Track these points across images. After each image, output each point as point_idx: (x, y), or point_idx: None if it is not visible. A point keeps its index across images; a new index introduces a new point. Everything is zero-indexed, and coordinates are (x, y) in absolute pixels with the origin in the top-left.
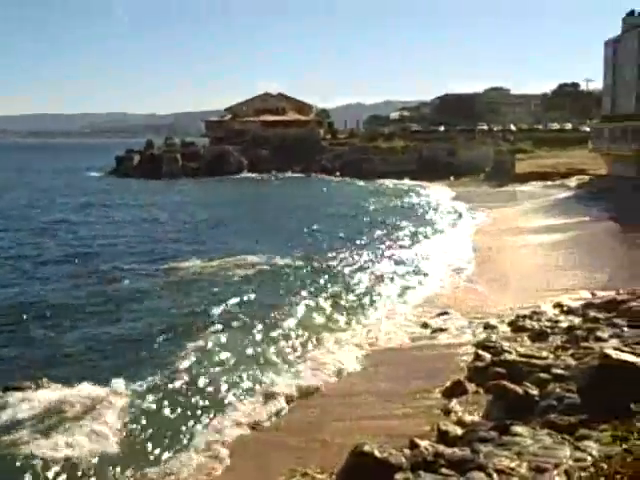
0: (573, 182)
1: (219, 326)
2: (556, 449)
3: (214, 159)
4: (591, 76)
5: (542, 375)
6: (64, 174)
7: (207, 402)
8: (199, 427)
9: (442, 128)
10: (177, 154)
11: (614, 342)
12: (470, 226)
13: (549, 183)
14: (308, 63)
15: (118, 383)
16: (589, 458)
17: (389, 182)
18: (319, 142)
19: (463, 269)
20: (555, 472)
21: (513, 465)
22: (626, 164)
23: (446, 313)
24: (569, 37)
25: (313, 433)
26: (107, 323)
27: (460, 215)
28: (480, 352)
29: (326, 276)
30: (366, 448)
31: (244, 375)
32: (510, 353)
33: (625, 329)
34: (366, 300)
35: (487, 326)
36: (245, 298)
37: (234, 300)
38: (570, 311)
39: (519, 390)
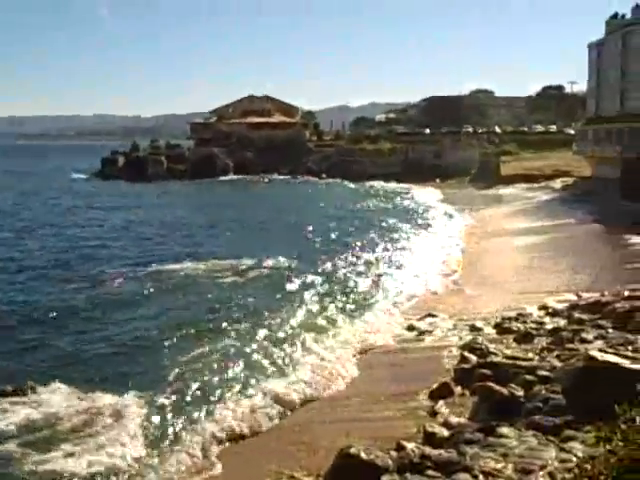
0: (558, 184)
1: (209, 330)
2: (542, 450)
3: (200, 161)
4: (575, 79)
5: (527, 377)
6: (49, 176)
7: (196, 405)
8: (188, 430)
9: (428, 130)
10: (162, 156)
11: (599, 343)
12: (457, 228)
13: (534, 185)
14: (293, 65)
15: (109, 389)
16: (574, 459)
17: (377, 184)
18: (305, 144)
19: (450, 271)
20: (540, 474)
21: (499, 467)
22: (610, 166)
23: (432, 315)
24: (554, 39)
25: (300, 436)
26: (95, 330)
27: (448, 217)
28: (466, 354)
29: (317, 279)
30: (352, 450)
31: (232, 379)
32: (496, 355)
33: (610, 330)
34: (353, 303)
35: (473, 328)
36: (234, 302)
37: (224, 304)
38: (555, 313)
39: (505, 392)
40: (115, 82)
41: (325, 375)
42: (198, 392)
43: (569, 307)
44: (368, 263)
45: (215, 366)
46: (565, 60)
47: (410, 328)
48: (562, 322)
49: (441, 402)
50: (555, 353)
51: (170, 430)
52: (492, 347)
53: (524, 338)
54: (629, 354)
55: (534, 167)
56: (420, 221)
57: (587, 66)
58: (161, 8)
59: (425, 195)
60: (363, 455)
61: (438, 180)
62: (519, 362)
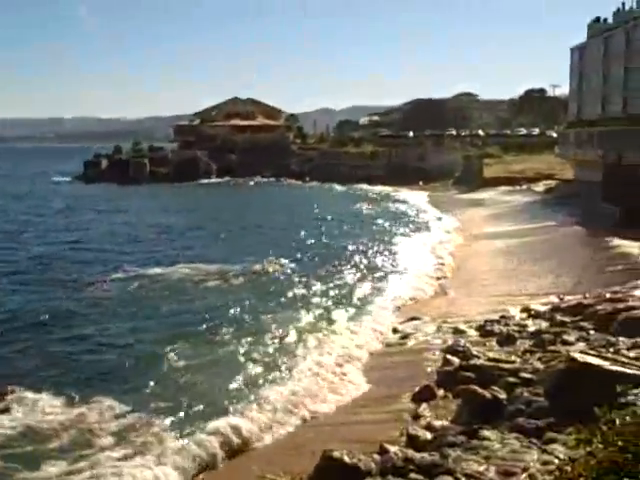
0: (540, 187)
1: (198, 335)
2: (524, 453)
3: (183, 164)
4: (557, 82)
5: (510, 379)
6: (30, 179)
7: (184, 412)
8: (171, 433)
9: (411, 133)
10: (145, 159)
11: (581, 345)
12: (441, 231)
13: (517, 188)
14: (276, 68)
15: (94, 395)
16: (556, 461)
17: (363, 187)
18: (288, 147)
19: (436, 275)
20: (522, 476)
21: (481, 469)
22: (592, 169)
23: (416, 318)
24: (536, 43)
25: (284, 439)
26: (79, 335)
27: (430, 220)
28: (449, 357)
29: (305, 283)
30: (335, 454)
31: (217, 385)
32: (478, 358)
33: (591, 332)
34: (339, 306)
35: (456, 331)
36: (220, 306)
37: (211, 308)
38: (537, 315)
39: (487, 394)
40: (99, 84)
41: (307, 379)
42: (185, 399)
43: (551, 309)
44: (356, 266)
45: (203, 372)
46: (548, 63)
47: (394, 331)
48: (544, 324)
49: (424, 405)
50: (537, 355)
51: (150, 430)
52: (475, 350)
53: (506, 340)
54: (610, 356)
55: (517, 170)
56: (410, 224)
57: (569, 70)
58: (141, 11)
59: (411, 197)
60: (346, 458)
61: (422, 183)
62: (501, 364)
